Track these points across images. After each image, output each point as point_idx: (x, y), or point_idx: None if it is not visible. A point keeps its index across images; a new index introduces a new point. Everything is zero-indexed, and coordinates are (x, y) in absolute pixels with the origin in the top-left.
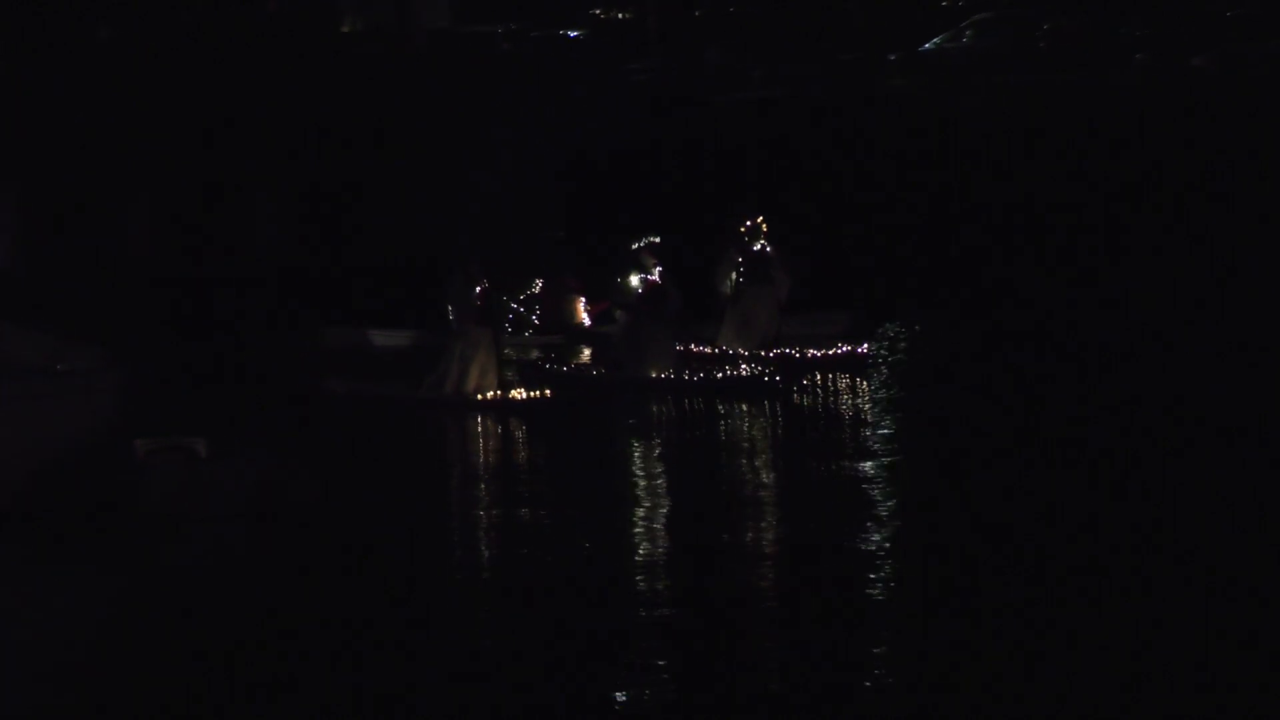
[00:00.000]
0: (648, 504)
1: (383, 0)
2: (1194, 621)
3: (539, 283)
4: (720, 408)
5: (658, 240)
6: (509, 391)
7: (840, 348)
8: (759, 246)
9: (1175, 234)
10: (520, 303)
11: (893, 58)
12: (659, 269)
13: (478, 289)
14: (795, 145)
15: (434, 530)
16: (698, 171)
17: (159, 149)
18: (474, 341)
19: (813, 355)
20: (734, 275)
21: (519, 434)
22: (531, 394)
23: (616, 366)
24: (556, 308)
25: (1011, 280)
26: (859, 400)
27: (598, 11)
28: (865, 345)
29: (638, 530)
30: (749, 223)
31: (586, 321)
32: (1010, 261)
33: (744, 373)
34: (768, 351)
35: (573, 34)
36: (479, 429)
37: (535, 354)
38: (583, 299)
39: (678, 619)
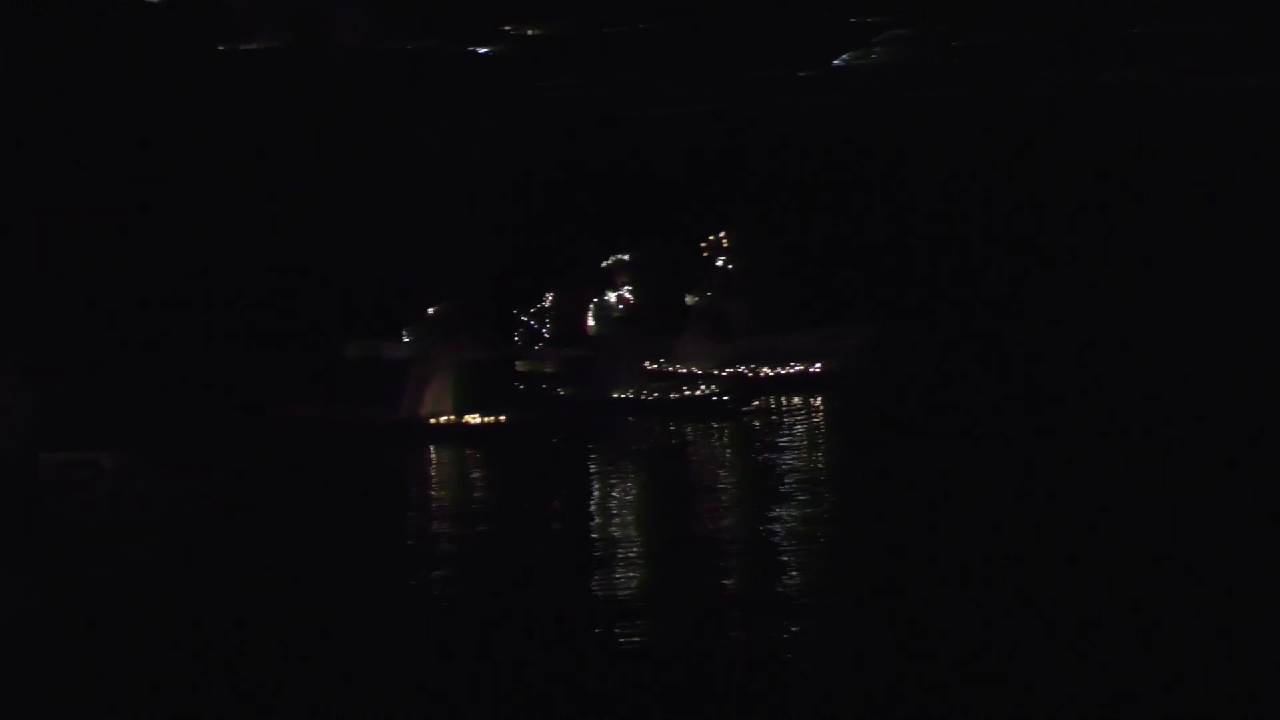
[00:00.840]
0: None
1: (295, 18)
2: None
3: (549, 295)
4: (672, 430)
5: (627, 259)
6: (464, 415)
7: (794, 367)
8: (719, 263)
9: (1090, 242)
10: (531, 316)
11: (804, 74)
12: (629, 288)
13: (434, 310)
14: (710, 160)
15: (332, 548)
16: (622, 188)
17: (93, 161)
18: (432, 364)
19: (766, 375)
20: (695, 294)
21: (458, 459)
22: (487, 419)
23: (583, 386)
24: (572, 320)
25: (941, 291)
26: (796, 428)
27: (509, 28)
28: (818, 365)
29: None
30: (709, 239)
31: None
32: (938, 272)
33: (698, 393)
34: (724, 370)
35: (484, 50)
36: (424, 453)
37: (549, 368)
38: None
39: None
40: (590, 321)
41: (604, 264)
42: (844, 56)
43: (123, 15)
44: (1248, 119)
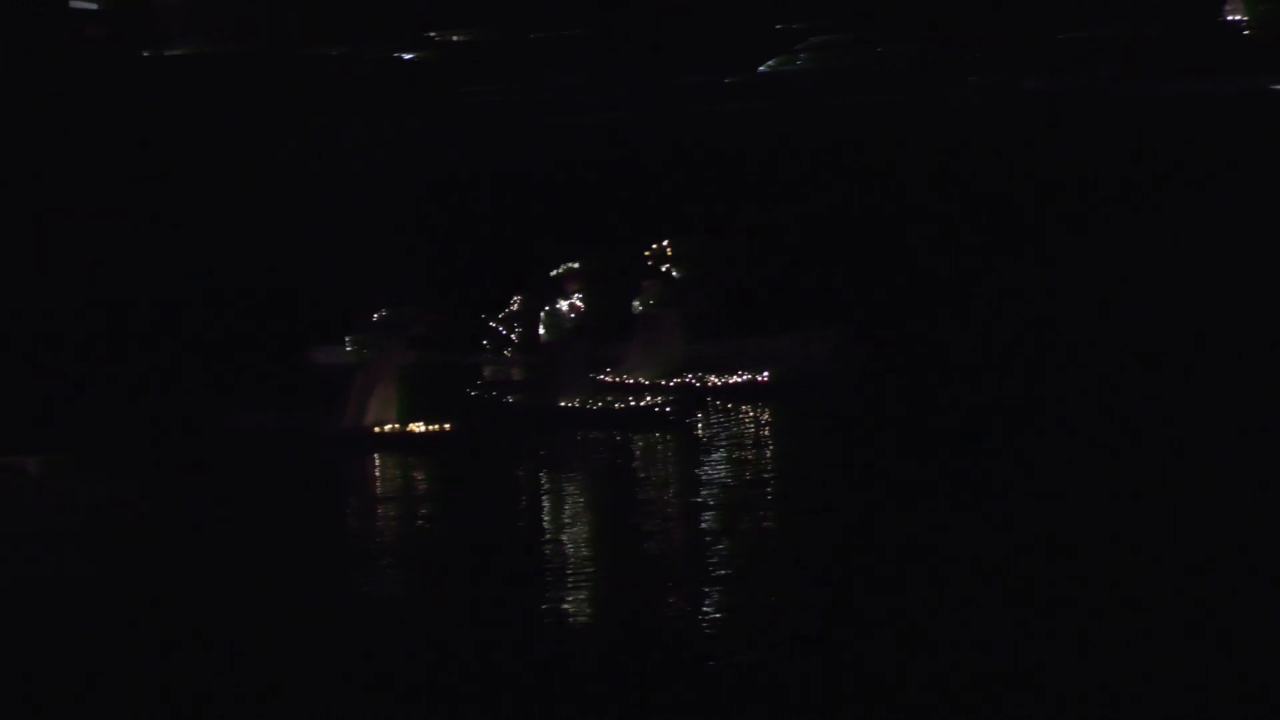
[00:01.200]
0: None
1: (216, 24)
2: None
3: (516, 300)
4: (616, 440)
5: (577, 266)
6: (408, 424)
7: (741, 375)
8: (665, 270)
9: (1023, 242)
10: (499, 322)
11: (730, 80)
12: (579, 296)
13: (378, 318)
14: (637, 166)
15: (254, 557)
16: (544, 195)
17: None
18: (377, 372)
19: (713, 384)
20: (640, 301)
21: (396, 467)
22: (430, 427)
23: (529, 394)
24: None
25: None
26: (741, 436)
27: (434, 34)
28: (766, 373)
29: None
30: (655, 247)
31: None
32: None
33: (642, 403)
34: (671, 379)
35: (408, 56)
36: (363, 462)
37: (516, 374)
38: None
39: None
40: (541, 330)
41: (553, 273)
42: (770, 62)
43: (49, 20)
44: (1170, 124)
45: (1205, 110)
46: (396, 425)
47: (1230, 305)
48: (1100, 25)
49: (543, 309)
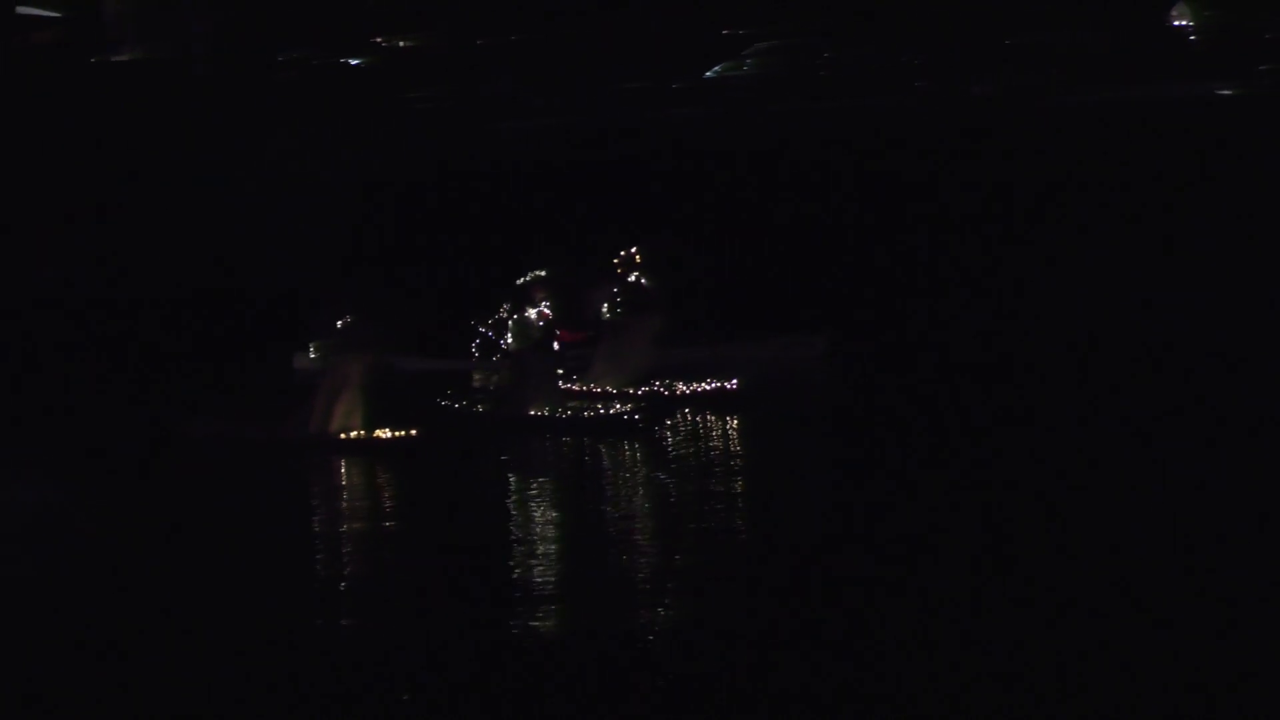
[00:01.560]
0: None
1: (164, 29)
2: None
3: (505, 307)
4: (583, 448)
5: (544, 274)
6: (374, 430)
7: (709, 383)
8: (633, 278)
9: (974, 247)
10: (488, 328)
11: (677, 86)
12: (545, 304)
13: (343, 322)
14: (586, 172)
15: (202, 567)
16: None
17: None
18: (341, 378)
19: (682, 392)
20: (607, 308)
21: (361, 475)
22: (397, 433)
23: (498, 403)
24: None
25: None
26: (707, 445)
27: (380, 40)
28: (734, 381)
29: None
30: (622, 254)
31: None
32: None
33: (611, 411)
34: (638, 388)
35: (355, 62)
36: (329, 469)
37: (480, 379)
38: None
39: None
40: (509, 338)
41: (520, 281)
42: (716, 68)
43: None
44: (1117, 128)
45: (1152, 115)
46: (362, 432)
47: (1179, 307)
48: (1048, 30)
49: (512, 316)
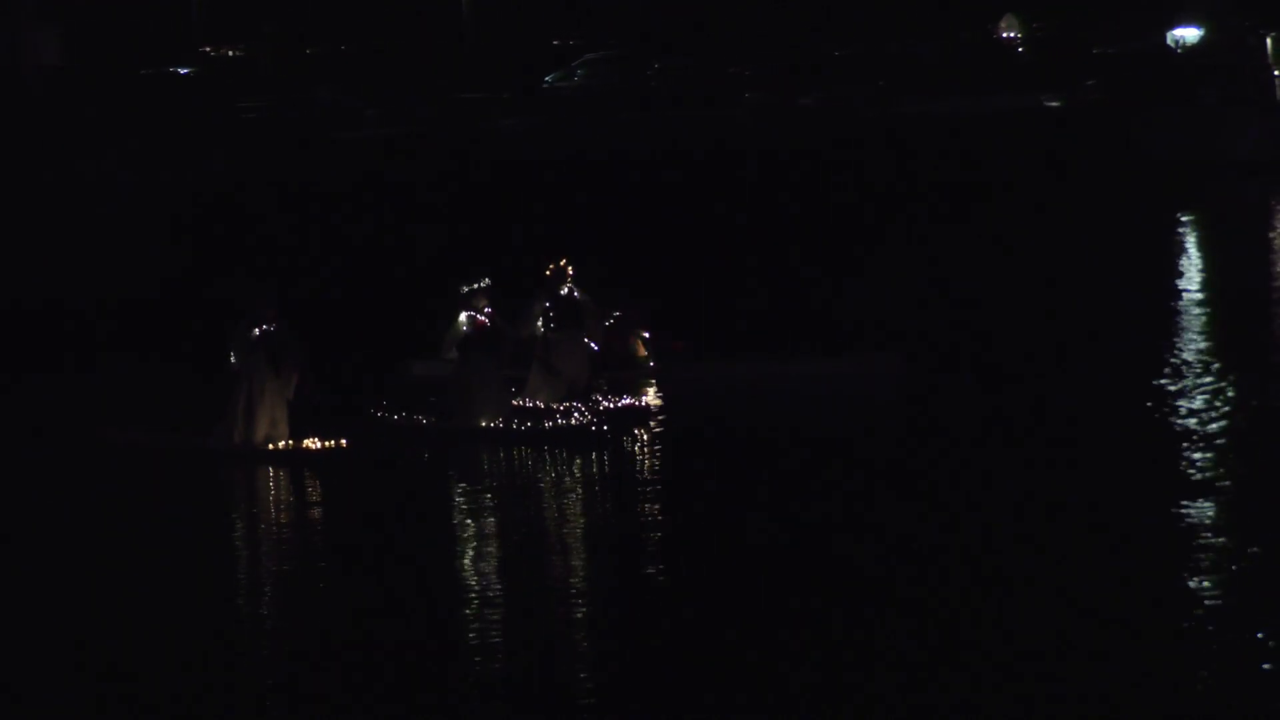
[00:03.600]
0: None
1: None
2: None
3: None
4: (534, 461)
5: (489, 283)
6: (302, 441)
7: (624, 399)
8: (566, 291)
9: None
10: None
11: (507, 96)
12: (489, 311)
13: (260, 330)
14: (413, 181)
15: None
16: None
17: None
18: (260, 387)
19: (634, 405)
20: (541, 323)
21: (283, 487)
22: (326, 444)
23: (444, 415)
24: (618, 343)
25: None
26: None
27: (209, 49)
28: (644, 399)
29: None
30: (553, 266)
31: (645, 355)
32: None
33: (571, 423)
34: (572, 403)
35: (184, 71)
36: (248, 480)
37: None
38: (646, 333)
39: None
40: (451, 345)
41: (464, 290)
42: (548, 78)
43: None
44: (944, 139)
45: (980, 126)
46: (289, 442)
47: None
48: (876, 42)
49: (454, 322)
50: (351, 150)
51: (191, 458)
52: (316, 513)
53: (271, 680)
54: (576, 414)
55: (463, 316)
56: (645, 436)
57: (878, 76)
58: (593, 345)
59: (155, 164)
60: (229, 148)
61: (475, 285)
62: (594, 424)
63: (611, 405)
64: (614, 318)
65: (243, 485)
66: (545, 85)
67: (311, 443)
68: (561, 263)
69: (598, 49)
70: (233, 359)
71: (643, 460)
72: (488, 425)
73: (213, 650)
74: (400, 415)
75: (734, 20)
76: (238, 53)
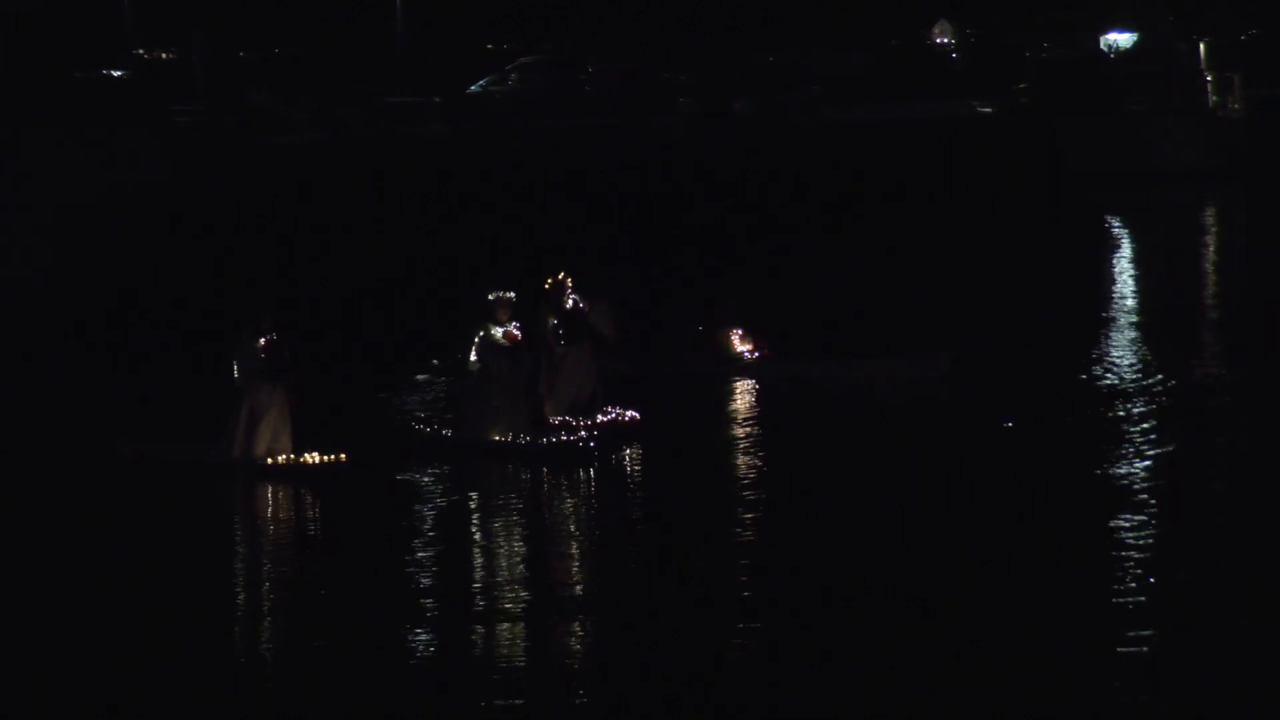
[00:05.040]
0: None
1: None
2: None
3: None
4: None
5: (511, 295)
6: (303, 455)
7: (611, 413)
8: (570, 304)
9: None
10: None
11: (439, 100)
12: (515, 324)
13: (263, 341)
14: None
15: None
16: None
17: None
18: (263, 400)
19: (634, 419)
20: (551, 339)
21: (281, 504)
22: (326, 458)
23: (457, 427)
24: (712, 341)
25: None
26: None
27: (142, 52)
28: (632, 414)
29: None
30: (552, 280)
31: (745, 354)
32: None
33: (562, 439)
34: (578, 417)
35: (117, 73)
36: (247, 495)
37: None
38: (739, 330)
39: None
40: (472, 357)
41: (490, 297)
42: (479, 83)
43: None
44: (877, 145)
45: (912, 132)
46: (290, 456)
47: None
48: (810, 48)
49: (478, 334)
50: (281, 155)
51: (193, 471)
52: (317, 527)
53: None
54: (571, 432)
55: (497, 331)
56: (640, 450)
57: (812, 82)
58: (610, 340)
59: (88, 167)
60: (163, 152)
61: (499, 295)
62: (585, 441)
63: (618, 418)
64: (712, 316)
65: (241, 499)
66: (478, 89)
67: (312, 457)
68: (560, 276)
69: (531, 53)
70: (235, 371)
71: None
72: (500, 440)
73: (207, 674)
74: (432, 427)
75: (669, 26)
76: (171, 55)
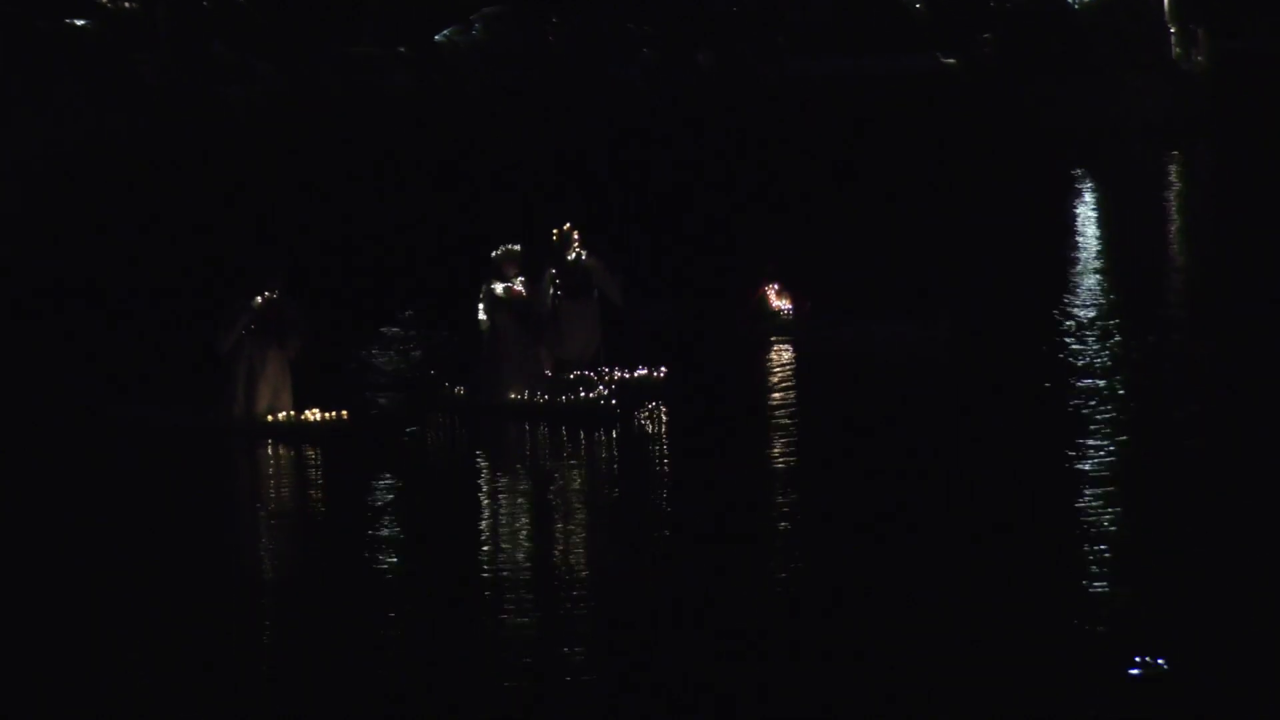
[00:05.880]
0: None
1: None
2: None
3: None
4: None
5: (518, 248)
6: (304, 412)
7: (640, 369)
8: (573, 256)
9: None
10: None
11: (403, 50)
12: (521, 280)
13: (260, 299)
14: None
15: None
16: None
17: None
18: (261, 358)
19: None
20: (552, 291)
21: (277, 461)
22: (327, 415)
23: (473, 388)
24: (752, 296)
25: None
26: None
27: (105, 1)
28: (662, 370)
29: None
30: (557, 231)
31: (784, 311)
32: None
33: (581, 396)
34: (583, 371)
35: (80, 23)
36: (248, 455)
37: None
38: (775, 285)
39: None
40: (481, 315)
41: (494, 254)
42: (445, 32)
43: None
44: (843, 99)
45: (878, 86)
46: (291, 414)
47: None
48: (772, 1)
49: (482, 291)
50: (242, 107)
51: (194, 433)
52: (321, 491)
53: (270, 666)
54: (589, 388)
55: (499, 287)
56: (662, 410)
57: (775, 33)
58: (616, 304)
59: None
60: (125, 103)
61: (506, 248)
62: (606, 400)
63: (626, 376)
64: (756, 273)
65: (244, 459)
66: (442, 39)
67: (313, 414)
68: (566, 227)
69: (495, 2)
70: (226, 330)
71: (659, 434)
72: (516, 398)
73: (210, 643)
74: (426, 382)
75: None
76: (133, 5)
